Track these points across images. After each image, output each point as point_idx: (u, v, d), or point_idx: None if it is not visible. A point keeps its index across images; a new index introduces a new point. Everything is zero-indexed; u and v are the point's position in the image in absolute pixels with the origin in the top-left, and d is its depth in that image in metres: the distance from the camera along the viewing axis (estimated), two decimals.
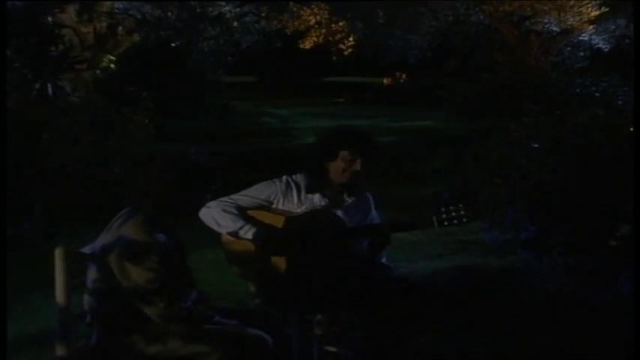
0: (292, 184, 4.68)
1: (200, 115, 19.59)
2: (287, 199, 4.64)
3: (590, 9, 12.85)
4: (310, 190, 4.65)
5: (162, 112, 14.93)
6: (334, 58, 25.67)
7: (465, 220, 4.57)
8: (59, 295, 3.89)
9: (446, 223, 4.55)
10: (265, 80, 35.36)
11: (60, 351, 3.81)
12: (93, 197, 8.97)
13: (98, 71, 13.62)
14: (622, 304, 5.65)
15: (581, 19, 13.64)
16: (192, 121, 19.09)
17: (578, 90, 15.97)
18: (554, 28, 17.16)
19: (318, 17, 22.44)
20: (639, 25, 5.86)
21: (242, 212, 4.57)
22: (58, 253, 3.85)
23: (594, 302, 5.81)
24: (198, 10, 15.73)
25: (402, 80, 31.29)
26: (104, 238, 3.81)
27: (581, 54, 20.48)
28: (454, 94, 17.90)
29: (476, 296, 6.25)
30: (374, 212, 4.82)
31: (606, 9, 13.77)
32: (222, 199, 4.60)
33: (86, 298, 3.87)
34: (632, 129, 6.32)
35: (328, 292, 4.49)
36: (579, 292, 6.02)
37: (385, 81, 32.46)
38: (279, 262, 4.52)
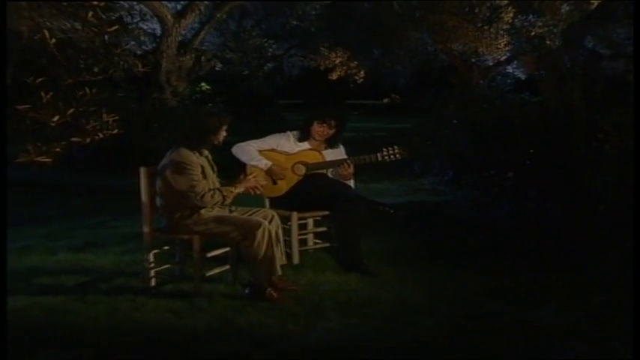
0: (291, 135, 4.93)
1: (259, 120, 19.69)
2: (287, 143, 4.88)
3: (503, 45, 12.94)
4: (300, 139, 4.90)
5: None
6: (351, 85, 25.57)
7: (398, 156, 4.75)
8: (143, 197, 4.18)
9: (386, 158, 4.74)
10: (307, 102, 35.37)
11: (145, 229, 4.19)
12: None
13: (198, 95, 13.91)
14: (504, 220, 5.82)
15: (499, 52, 13.68)
16: (254, 123, 19.27)
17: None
18: (490, 63, 17.16)
19: (340, 58, 22.39)
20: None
21: (258, 150, 4.80)
22: (142, 171, 4.15)
23: (488, 218, 5.98)
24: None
25: (396, 100, 31.22)
26: (162, 162, 4.06)
27: (508, 81, 20.42)
28: (424, 105, 17.85)
29: (419, 217, 6.34)
30: (344, 157, 4.91)
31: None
32: (248, 141, 4.83)
33: (157, 199, 4.13)
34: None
35: (310, 200, 4.70)
36: (481, 213, 6.18)
37: (385, 100, 32.39)
38: (280, 182, 4.76)
